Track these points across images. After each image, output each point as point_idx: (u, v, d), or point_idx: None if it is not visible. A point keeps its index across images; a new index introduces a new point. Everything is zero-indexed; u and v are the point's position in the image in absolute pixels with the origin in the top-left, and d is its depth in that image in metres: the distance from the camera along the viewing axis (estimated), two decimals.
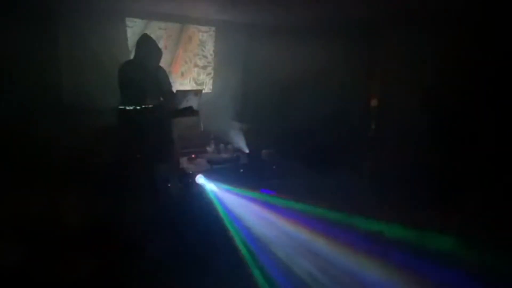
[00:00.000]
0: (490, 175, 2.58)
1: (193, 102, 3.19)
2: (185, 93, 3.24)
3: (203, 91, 4.16)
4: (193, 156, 3.67)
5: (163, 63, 4.18)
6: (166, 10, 3.91)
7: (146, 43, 2.97)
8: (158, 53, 3.03)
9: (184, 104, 3.12)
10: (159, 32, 4.09)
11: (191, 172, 3.28)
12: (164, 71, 3.21)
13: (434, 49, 3.21)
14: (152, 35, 3.67)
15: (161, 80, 3.09)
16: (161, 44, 4.10)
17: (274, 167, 3.77)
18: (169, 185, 3.12)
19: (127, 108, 2.80)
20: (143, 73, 2.86)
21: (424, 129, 3.23)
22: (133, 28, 3.89)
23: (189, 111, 3.12)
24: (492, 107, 2.70)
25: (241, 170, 3.56)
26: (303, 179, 3.37)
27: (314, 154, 4.01)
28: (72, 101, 3.41)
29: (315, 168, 3.45)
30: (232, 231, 2.72)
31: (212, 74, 4.68)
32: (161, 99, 3.07)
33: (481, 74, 2.77)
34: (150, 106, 2.94)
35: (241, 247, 2.55)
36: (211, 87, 4.71)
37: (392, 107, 3.80)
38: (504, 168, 2.55)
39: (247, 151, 3.96)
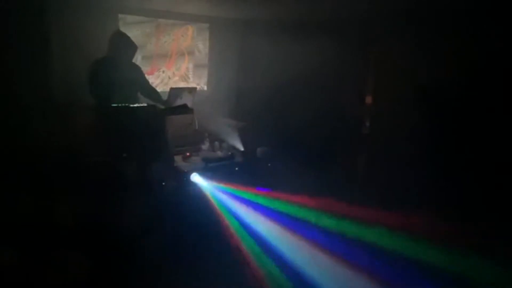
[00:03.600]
0: (488, 174, 2.58)
1: (187, 100, 3.17)
2: (179, 91, 3.22)
3: (198, 89, 4.13)
4: (187, 154, 3.64)
5: (156, 61, 4.19)
6: (159, 7, 3.87)
7: (119, 39, 2.91)
8: (132, 49, 2.98)
9: (178, 102, 3.09)
10: (153, 29, 4.06)
11: (185, 171, 3.26)
12: (138, 68, 3.19)
13: (430, 47, 3.21)
14: (146, 33, 3.64)
15: (137, 77, 3.06)
16: (154, 42, 4.08)
17: (269, 164, 3.77)
18: (163, 183, 3.10)
19: (119, 106, 2.77)
20: (117, 70, 2.80)
21: (420, 128, 3.24)
22: (126, 25, 3.84)
23: (184, 109, 3.10)
24: (490, 105, 2.71)
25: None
26: (298, 177, 3.37)
27: (310, 152, 4.01)
28: (63, 98, 3.37)
29: (310, 166, 3.45)
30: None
31: (206, 72, 4.65)
32: (139, 94, 3.04)
33: (478, 73, 2.77)
34: (144, 104, 2.92)
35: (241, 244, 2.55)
36: (205, 85, 4.68)
37: (388, 105, 3.81)
38: (503, 167, 2.54)
39: (242, 149, 3.95)
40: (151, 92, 3.21)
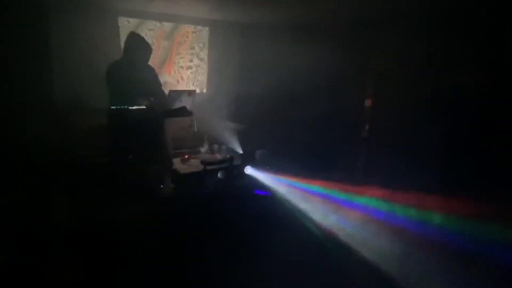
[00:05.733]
0: (491, 176, 2.58)
1: (186, 103, 3.17)
2: (178, 93, 3.22)
3: (197, 91, 4.13)
4: (186, 156, 3.64)
5: (156, 64, 4.19)
6: (159, 9, 3.88)
7: (134, 41, 2.89)
8: (148, 50, 2.95)
9: (178, 105, 3.09)
10: (152, 32, 4.07)
11: (184, 173, 3.27)
12: (153, 70, 3.17)
13: (431, 49, 3.23)
14: (145, 35, 3.62)
15: (151, 80, 3.05)
16: (154, 44, 4.09)
17: (268, 167, 3.78)
18: (161, 186, 3.10)
19: (119, 107, 2.77)
20: (132, 73, 2.80)
21: (420, 130, 3.25)
22: (126, 28, 3.85)
23: (183, 112, 3.10)
24: (492, 106, 2.71)
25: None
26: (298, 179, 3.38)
27: (308, 154, 4.02)
28: (63, 100, 3.37)
29: (309, 169, 3.46)
30: None
31: (206, 74, 4.66)
32: (152, 99, 3.03)
33: (479, 74, 2.78)
34: (142, 106, 2.92)
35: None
36: (205, 88, 4.70)
37: (387, 108, 3.82)
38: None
39: (241, 151, 3.96)
40: (160, 94, 3.17)
